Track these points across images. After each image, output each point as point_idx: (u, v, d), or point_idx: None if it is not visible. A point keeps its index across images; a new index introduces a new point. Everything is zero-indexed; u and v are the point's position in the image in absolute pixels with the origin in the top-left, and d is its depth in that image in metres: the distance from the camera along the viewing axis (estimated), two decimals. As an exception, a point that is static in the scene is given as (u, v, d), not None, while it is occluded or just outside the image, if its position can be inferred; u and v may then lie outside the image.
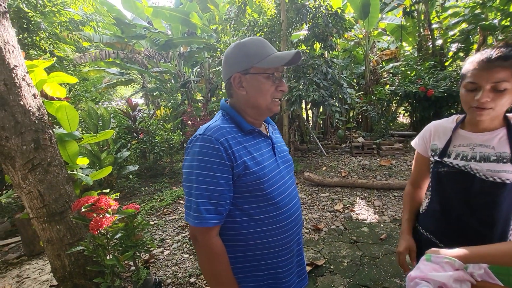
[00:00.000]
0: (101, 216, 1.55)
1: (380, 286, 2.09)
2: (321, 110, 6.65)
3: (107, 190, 2.06)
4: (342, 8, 5.23)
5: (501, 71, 0.80)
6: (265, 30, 5.34)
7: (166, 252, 2.81)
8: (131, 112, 5.36)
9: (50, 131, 1.89)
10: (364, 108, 6.02)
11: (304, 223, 3.14)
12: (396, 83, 6.12)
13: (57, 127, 2.48)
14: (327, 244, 2.70)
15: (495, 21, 5.49)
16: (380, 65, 8.16)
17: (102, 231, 1.56)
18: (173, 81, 8.76)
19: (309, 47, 5.31)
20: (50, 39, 4.69)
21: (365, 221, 3.09)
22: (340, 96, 4.33)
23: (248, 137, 0.86)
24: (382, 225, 2.98)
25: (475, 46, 6.25)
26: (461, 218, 0.97)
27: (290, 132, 5.02)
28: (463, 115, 1.03)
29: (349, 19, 5.96)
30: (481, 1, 5.35)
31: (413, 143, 1.17)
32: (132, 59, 7.65)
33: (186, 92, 8.00)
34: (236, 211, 0.84)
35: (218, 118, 0.89)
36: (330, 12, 4.98)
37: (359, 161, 5.25)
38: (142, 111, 7.33)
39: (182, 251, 2.81)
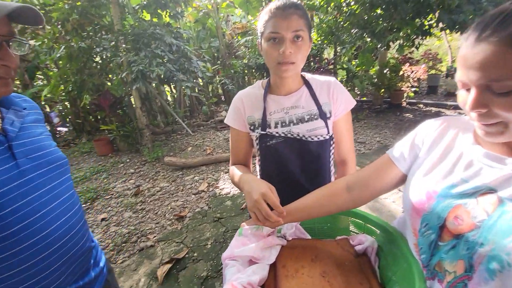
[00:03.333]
0: None
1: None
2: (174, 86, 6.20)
3: None
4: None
5: (299, 19, 0.79)
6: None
7: None
8: None
9: None
10: (223, 81, 6.07)
11: (166, 214, 2.83)
12: (248, 56, 6.46)
13: None
14: (190, 231, 2.52)
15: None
16: (236, 39, 8.43)
17: None
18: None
19: (155, 16, 4.61)
20: None
21: (228, 195, 3.11)
22: (193, 70, 4.05)
23: None
24: (243, 195, 3.08)
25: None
26: (300, 184, 0.96)
27: (144, 114, 4.36)
28: (267, 79, 0.98)
29: (194, -14, 5.57)
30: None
31: (226, 120, 1.01)
32: None
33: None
34: None
35: None
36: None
37: (224, 135, 5.33)
38: None
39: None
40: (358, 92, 6.48)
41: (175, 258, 2.15)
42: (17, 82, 6.74)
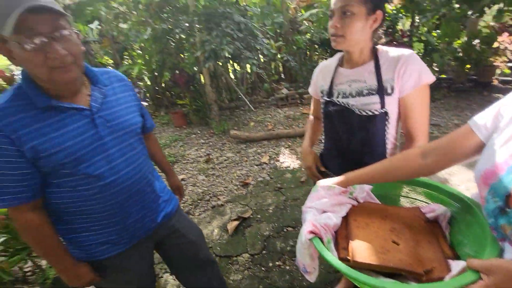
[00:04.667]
0: None
1: (300, 224, 2.31)
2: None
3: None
4: None
5: None
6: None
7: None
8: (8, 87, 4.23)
9: None
10: (285, 59, 6.06)
11: (233, 181, 3.19)
12: (312, 31, 6.24)
13: None
14: (254, 196, 2.82)
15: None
16: (300, 14, 8.13)
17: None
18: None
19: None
20: None
21: (288, 168, 3.30)
22: (258, 47, 4.19)
23: (45, 115, 0.78)
24: (302, 169, 3.22)
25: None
26: (351, 152, 1.06)
27: (213, 90, 4.76)
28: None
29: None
30: None
31: (309, 89, 1.27)
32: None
33: (86, 56, 6.69)
34: (48, 186, 0.84)
35: (9, 93, 0.78)
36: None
37: (284, 112, 5.45)
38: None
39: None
40: (437, 69, 5.71)
41: (241, 216, 2.48)
42: (110, 61, 7.96)
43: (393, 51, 0.95)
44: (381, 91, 0.94)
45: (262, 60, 6.44)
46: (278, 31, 7.86)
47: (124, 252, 0.99)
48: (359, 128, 1.00)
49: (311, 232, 0.70)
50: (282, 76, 8.37)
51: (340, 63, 1.07)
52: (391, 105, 0.95)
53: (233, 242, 2.23)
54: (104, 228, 0.93)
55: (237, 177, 3.26)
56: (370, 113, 0.95)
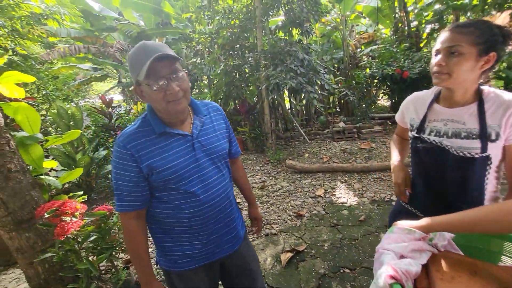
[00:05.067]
0: (67, 220, 1.49)
1: (359, 267, 2.16)
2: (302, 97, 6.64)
3: (80, 193, 1.99)
4: (317, -8, 5.14)
5: (458, 36, 0.85)
6: (240, 17, 5.19)
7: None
8: (105, 109, 5.15)
9: (8, 135, 1.78)
10: (344, 93, 6.06)
11: (287, 210, 3.19)
12: (374, 66, 6.18)
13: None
14: (308, 230, 2.76)
15: (466, 0, 5.59)
16: (359, 49, 8.20)
17: (70, 235, 1.50)
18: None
19: (287, 34, 5.23)
20: (11, 36, 4.37)
21: (345, 204, 3.17)
22: (319, 82, 4.32)
23: (161, 139, 0.97)
24: (361, 207, 3.06)
25: (449, 26, 6.35)
26: (441, 193, 1.00)
27: (271, 120, 4.99)
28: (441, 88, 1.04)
29: (325, 3, 5.89)
30: (452, -19, 5.41)
31: (396, 116, 1.25)
32: (105, 53, 7.29)
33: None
34: (154, 198, 1.01)
35: (138, 120, 1.00)
36: (304, -4, 4.89)
37: (341, 145, 5.33)
38: (120, 107, 7.06)
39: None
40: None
41: (295, 249, 2.44)
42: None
43: (503, 95, 0.89)
44: (484, 136, 0.88)
45: (320, 93, 6.58)
46: (335, 65, 8.01)
47: (199, 268, 1.09)
48: (453, 169, 0.93)
49: (392, 277, 0.66)
50: (338, 109, 8.31)
51: (437, 99, 1.02)
52: (494, 150, 0.89)
53: (286, 274, 2.18)
54: (192, 240, 1.05)
55: (291, 207, 3.25)
56: (469, 155, 0.89)
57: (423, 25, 6.74)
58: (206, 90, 5.96)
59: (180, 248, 1.06)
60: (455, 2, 5.58)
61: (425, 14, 6.62)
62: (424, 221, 0.79)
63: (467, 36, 0.84)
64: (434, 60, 0.92)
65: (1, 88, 1.98)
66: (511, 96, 0.87)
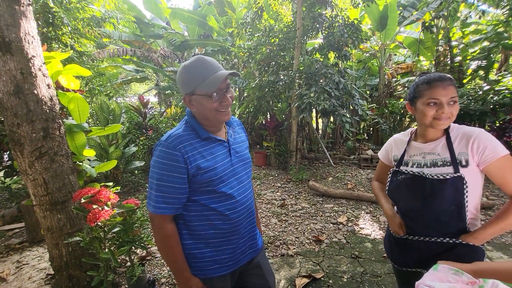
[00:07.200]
0: (99, 208, 1.55)
1: (380, 306, 2.01)
2: (331, 119, 6.57)
3: (111, 184, 2.07)
4: (359, 19, 5.17)
5: (453, 88, 1.03)
6: (280, 36, 5.35)
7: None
8: (142, 109, 5.44)
9: (60, 121, 1.92)
10: (376, 120, 5.90)
11: (305, 233, 3.08)
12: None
13: (70, 118, 2.53)
14: (327, 257, 2.63)
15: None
16: (395, 79, 8.03)
17: (100, 223, 1.55)
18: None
19: (323, 56, 5.28)
20: (72, 34, 4.84)
21: (368, 237, 2.99)
22: (352, 107, 4.25)
23: (204, 143, 1.02)
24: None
25: (496, 65, 6.06)
26: (421, 213, 1.13)
27: (298, 139, 4.95)
28: (416, 128, 1.23)
29: (366, 30, 5.90)
30: (504, 20, 5.22)
31: (379, 153, 1.40)
32: (148, 57, 7.80)
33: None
34: (190, 201, 1.02)
35: (181, 125, 1.05)
36: (346, 22, 4.94)
37: (367, 174, 5.13)
38: (153, 108, 7.43)
39: (180, 251, 2.78)
40: None
41: (313, 275, 2.32)
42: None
43: (464, 128, 1.09)
44: (455, 162, 1.05)
45: (351, 117, 6.47)
46: (368, 92, 7.88)
47: (225, 276, 1.09)
48: (431, 192, 1.07)
49: None
50: (366, 136, 8.08)
51: (414, 138, 1.22)
52: (468, 174, 1.03)
53: (300, 301, 2.07)
54: (221, 245, 1.06)
55: (310, 230, 3.13)
56: (442, 177, 1.04)
57: (468, 61, 6.48)
58: (234, 102, 6.13)
59: (210, 254, 1.06)
60: (506, 41, 5.34)
61: (471, 50, 6.38)
62: (472, 265, 0.77)
63: (455, 87, 1.04)
64: (433, 110, 1.05)
65: (61, 79, 2.17)
66: (468, 128, 1.08)
